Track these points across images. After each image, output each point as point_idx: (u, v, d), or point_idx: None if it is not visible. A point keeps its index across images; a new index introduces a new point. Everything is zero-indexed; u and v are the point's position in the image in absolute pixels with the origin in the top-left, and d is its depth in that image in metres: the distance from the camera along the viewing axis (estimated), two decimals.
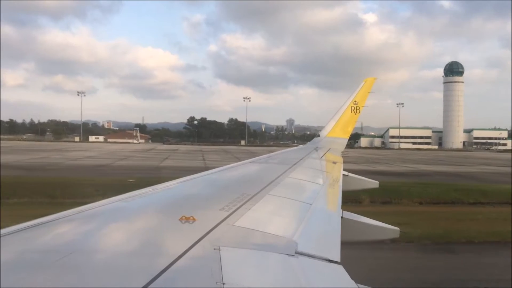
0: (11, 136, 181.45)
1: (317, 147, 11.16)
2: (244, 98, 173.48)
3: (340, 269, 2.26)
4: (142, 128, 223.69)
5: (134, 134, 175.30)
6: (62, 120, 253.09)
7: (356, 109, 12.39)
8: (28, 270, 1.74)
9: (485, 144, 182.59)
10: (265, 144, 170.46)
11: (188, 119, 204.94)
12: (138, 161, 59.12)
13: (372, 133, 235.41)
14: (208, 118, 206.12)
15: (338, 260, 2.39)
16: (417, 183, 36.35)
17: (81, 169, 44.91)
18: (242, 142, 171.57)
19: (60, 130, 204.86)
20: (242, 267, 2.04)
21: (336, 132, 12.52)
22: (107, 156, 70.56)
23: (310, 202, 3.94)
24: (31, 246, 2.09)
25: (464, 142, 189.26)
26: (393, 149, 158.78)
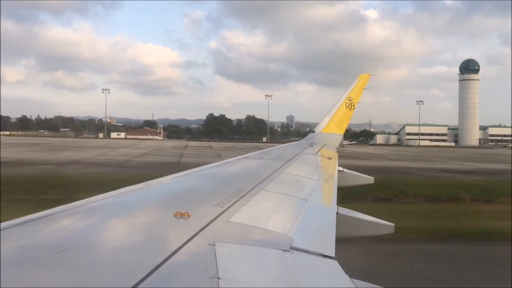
0: (31, 132, 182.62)
1: (312, 143, 11.20)
2: (266, 95, 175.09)
3: (335, 264, 2.27)
4: (152, 125, 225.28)
5: (158, 131, 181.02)
6: (68, 116, 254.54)
7: (351, 106, 12.46)
8: (23, 266, 1.74)
9: (500, 141, 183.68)
10: (286, 140, 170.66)
11: (207, 116, 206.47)
12: (197, 159, 59.38)
13: (373, 130, 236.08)
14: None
15: (333, 255, 2.40)
16: (503, 182, 37.36)
17: (161, 167, 45.24)
18: (264, 139, 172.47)
19: (80, 127, 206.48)
20: (237, 263, 2.06)
21: (331, 128, 12.55)
22: (158, 153, 71.25)
23: (306, 197, 3.95)
24: (25, 241, 2.10)
25: (480, 139, 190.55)
26: (413, 146, 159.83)
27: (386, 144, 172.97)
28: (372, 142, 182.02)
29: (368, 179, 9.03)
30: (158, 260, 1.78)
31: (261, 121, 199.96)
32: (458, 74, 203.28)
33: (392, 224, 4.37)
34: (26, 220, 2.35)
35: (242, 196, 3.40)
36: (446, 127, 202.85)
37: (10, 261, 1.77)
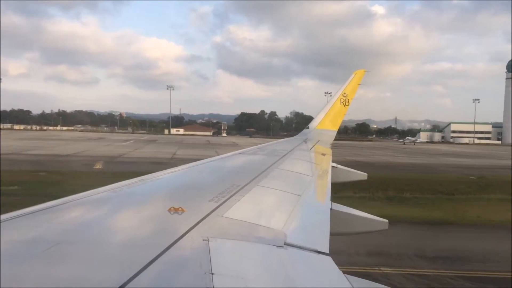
0: (95, 128, 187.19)
1: (306, 139, 11.24)
2: (325, 93, 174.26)
3: (329, 260, 2.28)
4: (180, 120, 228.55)
5: (222, 128, 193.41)
6: (88, 110, 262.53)
7: (346, 102, 12.48)
8: (14, 260, 1.73)
9: None
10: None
11: (259, 113, 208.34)
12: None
13: (375, 126, 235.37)
14: (210, 110, 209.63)
15: (327, 251, 2.41)
16: None
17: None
18: None
19: (137, 122, 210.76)
20: (231, 258, 2.06)
21: (325, 124, 12.55)
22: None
23: (300, 193, 3.96)
24: (17, 236, 2.09)
25: None
26: (468, 144, 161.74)
27: (439, 142, 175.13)
28: (415, 139, 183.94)
29: (362, 175, 9.18)
30: (152, 256, 1.79)
31: (310, 118, 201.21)
32: (506, 72, 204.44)
33: (386, 220, 4.39)
34: (18, 215, 2.35)
35: (237, 192, 3.41)
36: (491, 125, 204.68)
37: (2, 256, 1.75)
